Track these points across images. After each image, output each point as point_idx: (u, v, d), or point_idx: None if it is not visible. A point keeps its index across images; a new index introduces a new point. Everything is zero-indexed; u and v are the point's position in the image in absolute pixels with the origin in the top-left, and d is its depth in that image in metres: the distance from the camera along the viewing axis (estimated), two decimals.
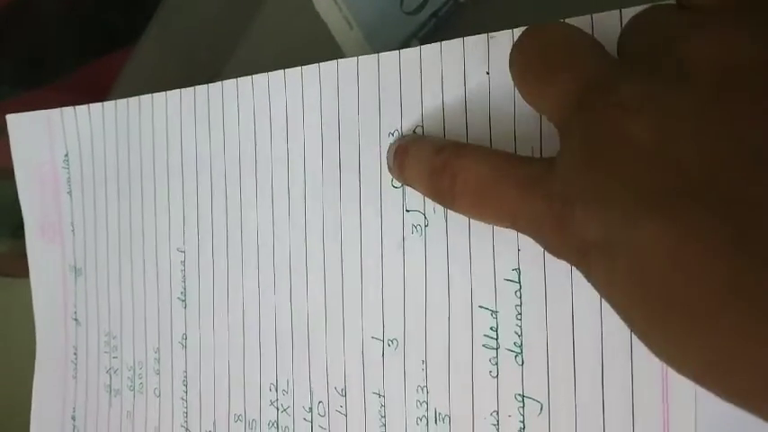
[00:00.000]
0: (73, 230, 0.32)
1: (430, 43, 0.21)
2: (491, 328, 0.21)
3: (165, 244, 0.29)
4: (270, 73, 0.25)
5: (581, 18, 0.19)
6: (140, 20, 0.39)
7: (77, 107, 0.31)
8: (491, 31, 0.20)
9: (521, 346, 0.20)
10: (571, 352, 0.19)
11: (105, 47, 0.45)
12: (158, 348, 0.29)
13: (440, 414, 0.22)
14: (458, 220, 0.21)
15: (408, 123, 0.22)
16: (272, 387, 0.26)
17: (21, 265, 0.34)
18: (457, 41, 0.21)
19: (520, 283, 0.20)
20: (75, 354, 0.32)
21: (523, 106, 0.20)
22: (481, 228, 0.21)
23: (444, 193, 0.19)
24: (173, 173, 0.28)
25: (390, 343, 0.22)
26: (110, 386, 0.31)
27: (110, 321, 0.31)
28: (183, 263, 0.28)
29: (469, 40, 0.21)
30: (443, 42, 0.21)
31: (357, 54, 0.23)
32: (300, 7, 0.31)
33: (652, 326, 0.13)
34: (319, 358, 0.24)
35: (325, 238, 0.24)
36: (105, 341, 0.31)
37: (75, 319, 0.32)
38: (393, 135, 0.22)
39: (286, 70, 0.25)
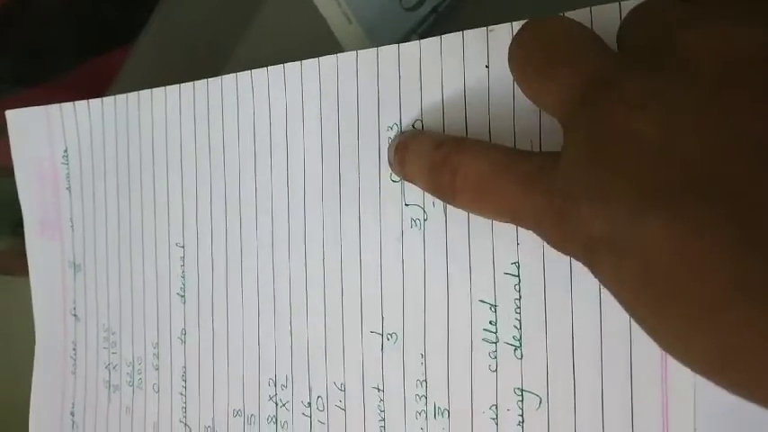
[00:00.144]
0: (72, 226, 0.32)
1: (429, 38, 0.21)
2: (490, 322, 0.21)
3: (164, 239, 0.29)
4: (269, 68, 0.25)
5: (580, 11, 0.19)
6: (140, 17, 0.39)
7: (76, 102, 0.31)
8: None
9: (520, 339, 0.20)
10: (570, 346, 0.19)
11: (104, 44, 0.45)
12: (157, 344, 0.29)
13: (439, 408, 0.22)
14: (457, 214, 0.21)
15: (407, 117, 0.22)
16: (271, 382, 0.26)
17: (21, 263, 0.34)
18: (456, 35, 0.21)
19: (519, 276, 0.20)
20: (74, 349, 0.32)
21: (523, 100, 0.20)
22: (480, 222, 0.21)
23: (444, 188, 0.19)
24: (172, 168, 0.28)
25: (389, 337, 0.22)
26: (109, 381, 0.31)
27: (109, 317, 0.31)
28: (183, 258, 0.28)
29: (468, 33, 0.21)
30: (443, 36, 0.21)
31: (357, 50, 0.23)
32: (300, 3, 0.31)
33: (660, 321, 0.13)
34: (318, 353, 0.24)
35: (324, 232, 0.24)
36: (104, 337, 0.31)
37: (75, 315, 0.32)
38: (392, 129, 0.22)
39: (285, 65, 0.25)
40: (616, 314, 0.19)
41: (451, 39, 0.21)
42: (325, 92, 0.24)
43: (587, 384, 0.19)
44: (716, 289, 0.12)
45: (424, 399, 0.22)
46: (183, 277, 0.28)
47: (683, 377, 0.18)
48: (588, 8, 0.19)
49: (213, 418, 0.27)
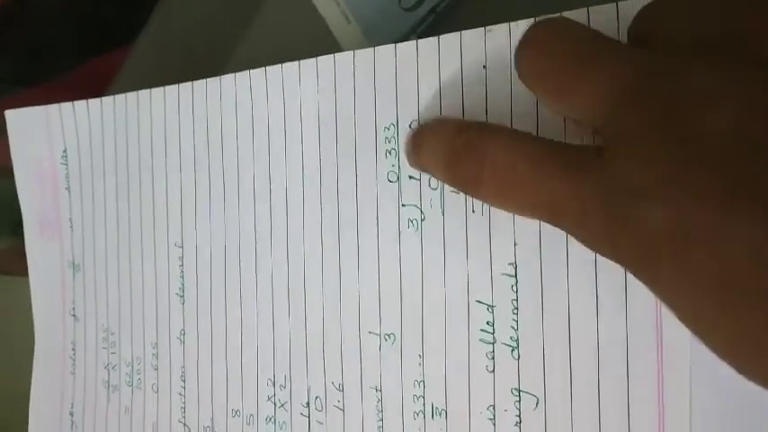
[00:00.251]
0: (71, 226, 0.32)
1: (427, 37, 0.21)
2: (487, 323, 0.21)
3: (163, 240, 0.29)
4: (267, 67, 0.25)
5: (577, 11, 0.19)
6: (139, 17, 0.39)
7: (76, 102, 0.31)
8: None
9: (517, 340, 0.20)
10: (567, 346, 0.19)
11: (104, 45, 0.45)
12: (156, 344, 0.29)
13: (437, 408, 0.22)
14: (454, 214, 0.21)
15: (404, 117, 0.22)
16: (270, 382, 0.26)
17: (20, 263, 0.34)
18: (454, 35, 0.21)
19: (516, 277, 0.20)
20: (73, 349, 0.32)
21: (520, 100, 0.20)
22: (478, 222, 0.21)
23: (467, 178, 0.18)
24: (171, 168, 0.28)
25: (387, 338, 0.22)
26: (108, 382, 0.31)
27: (108, 317, 0.31)
28: (182, 258, 0.28)
29: (466, 33, 0.21)
30: (440, 36, 0.21)
31: (355, 49, 0.23)
32: (299, 3, 0.31)
33: (738, 328, 0.13)
34: (316, 353, 0.24)
35: (322, 233, 0.24)
36: (103, 337, 0.31)
37: (74, 315, 0.32)
38: (389, 129, 0.22)
39: (283, 65, 0.25)
40: (613, 315, 0.19)
41: (449, 39, 0.21)
42: (323, 92, 0.24)
43: (584, 385, 0.19)
44: None
45: (421, 399, 0.22)
46: (182, 277, 0.28)
47: (680, 378, 0.18)
48: (585, 8, 0.19)
49: (212, 418, 0.27)
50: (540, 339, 0.20)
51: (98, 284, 0.31)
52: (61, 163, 0.32)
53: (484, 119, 0.20)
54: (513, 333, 0.20)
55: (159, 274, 0.29)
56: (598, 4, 0.18)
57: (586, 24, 0.18)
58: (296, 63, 0.24)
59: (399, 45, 0.22)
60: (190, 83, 0.27)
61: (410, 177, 0.22)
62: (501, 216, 0.20)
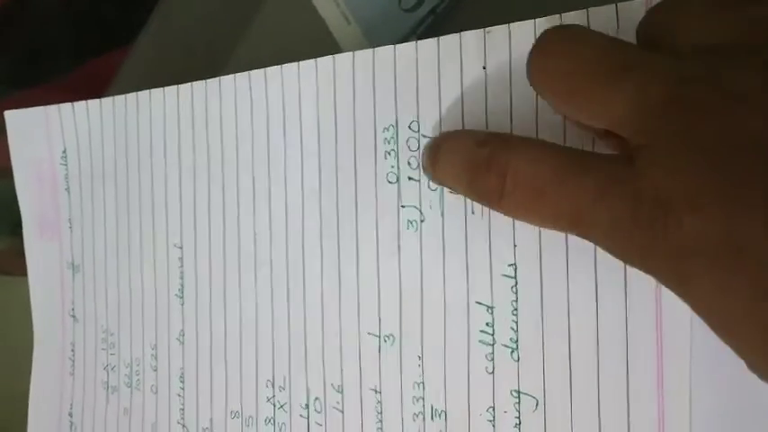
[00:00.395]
0: (71, 227, 0.32)
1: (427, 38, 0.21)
2: (487, 324, 0.21)
3: (162, 240, 0.29)
4: (267, 69, 0.25)
5: (576, 13, 0.19)
6: (139, 17, 0.39)
7: (75, 103, 0.31)
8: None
9: (517, 341, 0.20)
10: (567, 348, 0.19)
11: (103, 45, 0.45)
12: (155, 345, 0.29)
13: (436, 410, 0.22)
14: (454, 215, 0.21)
15: (404, 119, 0.22)
16: (269, 383, 0.26)
17: (20, 263, 0.34)
18: (453, 36, 0.21)
19: (516, 278, 0.20)
20: (72, 350, 0.32)
21: (520, 101, 0.20)
22: (477, 223, 0.21)
23: (488, 191, 0.17)
24: (170, 169, 0.28)
25: (387, 339, 0.22)
26: (107, 383, 0.31)
27: (107, 318, 0.31)
28: (181, 259, 0.28)
29: (466, 35, 0.20)
30: (440, 37, 0.21)
31: (355, 50, 0.23)
32: (299, 4, 0.31)
33: None
34: (316, 355, 0.24)
35: (322, 234, 0.24)
36: (103, 338, 0.31)
37: (73, 316, 0.32)
38: (388, 130, 0.22)
39: (283, 66, 0.25)
40: (613, 317, 0.19)
41: (449, 40, 0.21)
42: (323, 93, 0.24)
43: (584, 386, 0.19)
44: None
45: (421, 401, 0.22)
46: (182, 278, 0.28)
47: (680, 380, 0.18)
48: (585, 9, 0.19)
49: (211, 420, 0.27)
50: (539, 341, 0.20)
51: (97, 285, 0.31)
52: (60, 164, 0.32)
53: (483, 120, 0.20)
54: (512, 334, 0.20)
55: (158, 275, 0.29)
56: (597, 5, 0.18)
57: (586, 26, 0.18)
58: (295, 64, 0.24)
59: (398, 46, 0.22)
60: (189, 84, 0.27)
61: (409, 179, 0.22)
62: (501, 217, 0.20)
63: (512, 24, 0.20)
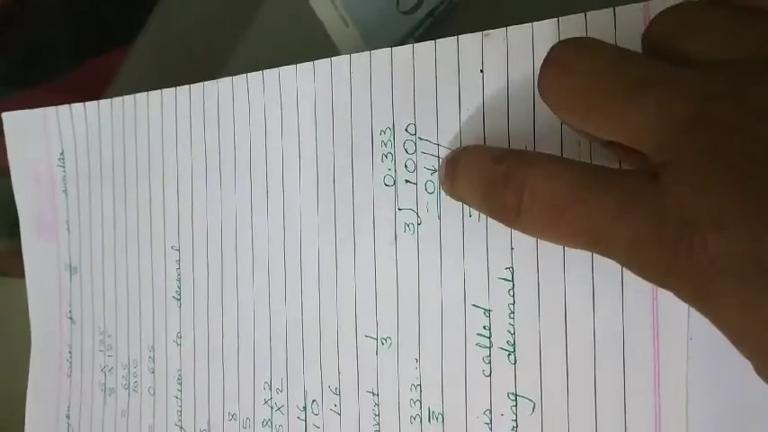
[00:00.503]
0: (68, 229, 0.32)
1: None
2: (484, 327, 0.21)
3: (160, 242, 0.29)
4: (264, 71, 0.25)
5: (574, 17, 0.19)
6: (138, 17, 0.39)
7: (73, 105, 0.31)
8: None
9: (513, 344, 0.20)
10: (564, 351, 0.19)
11: (102, 46, 0.45)
12: (153, 347, 0.29)
13: (433, 412, 0.22)
14: (451, 218, 0.21)
15: (401, 121, 0.22)
16: (266, 386, 0.26)
17: (17, 264, 0.34)
18: (451, 39, 0.21)
19: (513, 281, 0.20)
20: (69, 352, 0.32)
21: (517, 105, 0.20)
22: (474, 226, 0.21)
23: (506, 208, 0.17)
24: (168, 171, 0.28)
25: (384, 341, 0.22)
26: (104, 385, 0.31)
27: (105, 320, 0.31)
28: (178, 261, 0.28)
29: (464, 38, 0.20)
30: (437, 40, 0.21)
31: (353, 53, 0.23)
32: (298, 6, 0.31)
33: None
34: (313, 357, 0.24)
35: (319, 237, 0.24)
36: (100, 339, 0.31)
37: (70, 318, 0.32)
38: (385, 133, 0.22)
39: (281, 68, 0.25)
40: (610, 320, 0.19)
41: (446, 43, 0.21)
42: (320, 95, 0.24)
43: (581, 390, 0.19)
44: None
45: (418, 403, 0.22)
46: (179, 280, 0.28)
47: (677, 383, 0.18)
48: (583, 14, 0.19)
49: (208, 422, 0.27)
50: (536, 344, 0.20)
51: (95, 287, 0.31)
52: (58, 165, 0.32)
53: (481, 124, 0.20)
54: (509, 337, 0.20)
55: (156, 276, 0.29)
56: (595, 9, 0.18)
57: (583, 30, 0.18)
58: (293, 67, 0.24)
59: (396, 49, 0.22)
60: (187, 86, 0.27)
61: (406, 181, 0.22)
62: None
63: (509, 28, 0.20)
